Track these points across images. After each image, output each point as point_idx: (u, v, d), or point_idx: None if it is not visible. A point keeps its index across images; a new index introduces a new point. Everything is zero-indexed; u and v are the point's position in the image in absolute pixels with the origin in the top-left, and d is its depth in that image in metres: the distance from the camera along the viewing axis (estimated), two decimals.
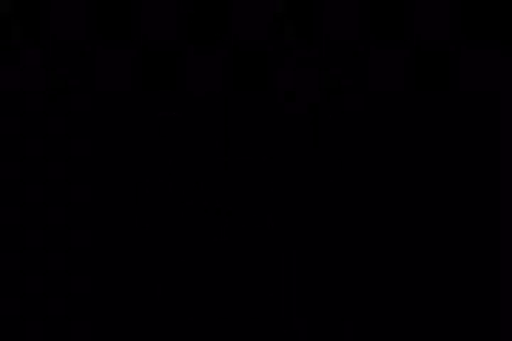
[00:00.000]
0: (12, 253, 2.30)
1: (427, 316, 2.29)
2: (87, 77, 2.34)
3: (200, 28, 2.34)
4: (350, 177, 2.32)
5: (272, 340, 2.30)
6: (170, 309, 2.30)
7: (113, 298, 2.30)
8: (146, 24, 2.34)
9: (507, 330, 2.29)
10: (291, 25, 2.33)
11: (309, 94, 2.33)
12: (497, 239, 2.30)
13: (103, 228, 2.31)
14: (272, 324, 2.30)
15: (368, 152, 2.32)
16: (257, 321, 2.30)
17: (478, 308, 2.29)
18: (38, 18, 2.33)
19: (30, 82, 2.33)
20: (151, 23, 2.34)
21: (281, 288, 2.31)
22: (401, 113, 2.32)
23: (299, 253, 2.31)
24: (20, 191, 2.31)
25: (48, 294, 2.30)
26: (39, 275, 2.30)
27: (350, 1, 2.33)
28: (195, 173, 2.33)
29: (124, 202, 2.31)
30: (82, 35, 2.33)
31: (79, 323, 2.30)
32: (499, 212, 2.30)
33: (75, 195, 2.32)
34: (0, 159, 2.32)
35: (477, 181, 2.31)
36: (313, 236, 2.31)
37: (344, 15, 2.33)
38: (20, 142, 2.33)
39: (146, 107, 2.33)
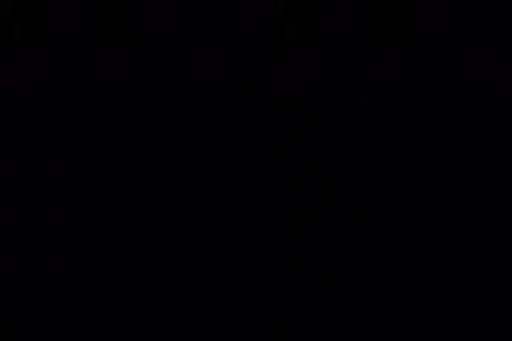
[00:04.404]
0: (12, 253, 2.30)
1: (427, 316, 2.29)
2: (87, 77, 2.34)
3: (200, 28, 2.34)
4: (350, 177, 2.32)
5: (270, 339, 2.30)
6: (170, 309, 2.30)
7: (113, 298, 2.30)
8: (146, 24, 2.34)
9: (507, 330, 2.29)
10: (291, 25, 2.33)
11: (309, 93, 2.33)
12: (497, 239, 2.30)
13: (103, 228, 2.31)
14: (271, 323, 2.30)
15: (368, 152, 2.32)
16: (256, 320, 2.30)
17: (478, 308, 2.29)
18: (38, 18, 2.33)
19: (30, 82, 2.33)
20: (151, 23, 2.34)
21: (279, 287, 2.31)
22: (401, 113, 2.32)
23: (299, 253, 2.32)
24: (20, 191, 2.31)
25: (48, 294, 2.30)
26: (39, 275, 2.30)
27: (350, 1, 2.33)
28: (194, 173, 2.33)
29: (124, 202, 2.31)
30: (82, 35, 2.33)
31: (79, 323, 2.30)
32: (499, 211, 2.30)
33: (75, 195, 2.32)
34: (0, 159, 2.32)
35: (477, 181, 2.31)
36: (312, 236, 2.32)
37: (344, 16, 2.33)
38: (20, 142, 2.33)
39: (146, 107, 2.33)
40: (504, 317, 2.29)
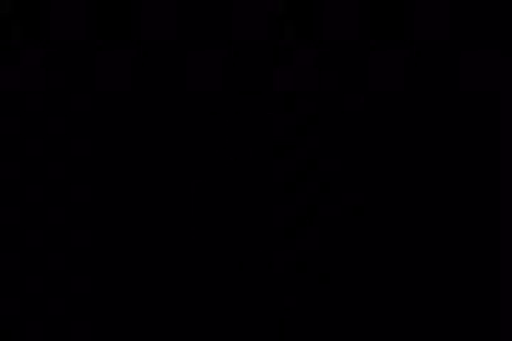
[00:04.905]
0: (12, 253, 2.30)
1: (427, 316, 2.29)
2: (87, 77, 2.34)
3: (200, 28, 2.34)
4: (350, 177, 2.32)
5: (270, 339, 2.30)
6: (170, 308, 2.30)
7: (113, 298, 2.30)
8: (146, 24, 2.34)
9: (507, 330, 2.29)
10: (291, 25, 2.33)
11: (309, 93, 2.33)
12: (497, 239, 2.30)
13: (103, 228, 2.31)
14: (271, 323, 2.30)
15: (368, 151, 2.32)
16: (256, 320, 2.30)
17: (479, 308, 2.29)
18: (38, 18, 2.33)
19: (30, 82, 2.33)
20: (151, 23, 2.34)
21: (279, 287, 2.31)
22: (401, 113, 2.32)
23: (299, 253, 2.32)
24: (20, 191, 2.31)
25: (48, 294, 2.30)
26: (39, 275, 2.30)
27: (350, 1, 2.33)
28: (195, 173, 2.33)
29: (124, 202, 2.31)
30: (82, 35, 2.33)
31: (79, 323, 2.30)
32: (499, 211, 2.30)
33: (75, 195, 2.32)
34: (0, 159, 2.32)
35: (477, 181, 2.31)
36: (312, 236, 2.32)
37: (344, 16, 2.33)
38: (20, 142, 2.33)
39: (146, 107, 2.33)
40: (504, 317, 2.29)
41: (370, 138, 2.32)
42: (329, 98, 2.33)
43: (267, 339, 2.30)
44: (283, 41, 2.33)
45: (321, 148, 2.32)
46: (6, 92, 2.33)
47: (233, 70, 2.34)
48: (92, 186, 2.32)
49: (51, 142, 2.32)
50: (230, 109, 2.33)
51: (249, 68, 2.34)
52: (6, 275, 2.30)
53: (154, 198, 2.32)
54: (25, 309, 2.29)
